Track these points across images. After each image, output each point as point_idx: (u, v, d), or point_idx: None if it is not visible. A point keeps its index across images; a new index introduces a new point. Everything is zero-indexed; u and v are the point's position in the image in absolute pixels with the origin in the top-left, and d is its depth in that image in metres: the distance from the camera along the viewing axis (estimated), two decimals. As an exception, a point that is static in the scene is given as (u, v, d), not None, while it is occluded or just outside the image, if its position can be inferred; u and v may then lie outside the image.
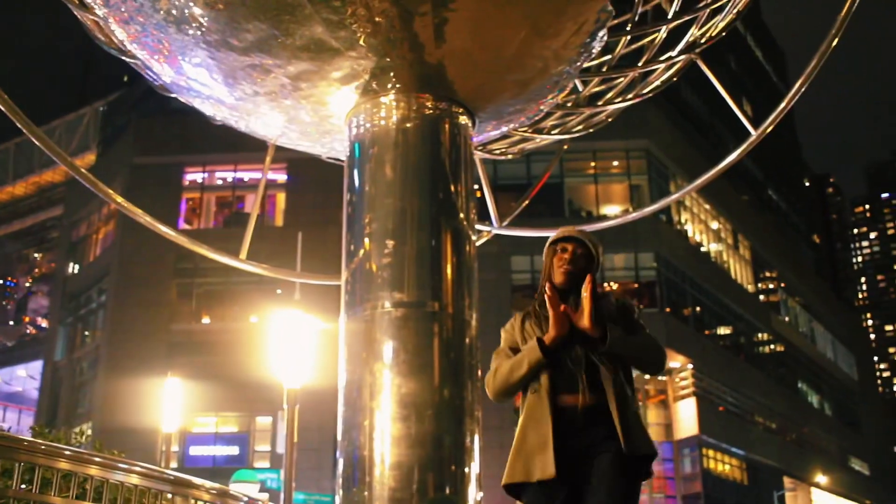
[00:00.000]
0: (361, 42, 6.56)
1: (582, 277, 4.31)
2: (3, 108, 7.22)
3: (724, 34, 8.89)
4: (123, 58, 8.23)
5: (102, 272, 43.71)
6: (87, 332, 46.14)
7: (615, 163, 43.51)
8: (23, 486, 4.43)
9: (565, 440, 4.13)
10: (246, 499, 5.69)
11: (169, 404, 19.86)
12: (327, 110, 7.42)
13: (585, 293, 4.22)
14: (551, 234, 4.64)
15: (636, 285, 41.84)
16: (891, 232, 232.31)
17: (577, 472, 4.11)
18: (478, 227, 8.72)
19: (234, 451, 38.19)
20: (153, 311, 39.93)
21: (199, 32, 6.60)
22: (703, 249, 47.65)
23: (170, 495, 5.14)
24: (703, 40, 8.76)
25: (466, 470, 6.39)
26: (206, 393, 33.40)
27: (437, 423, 6.29)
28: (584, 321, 4.20)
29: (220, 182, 44.18)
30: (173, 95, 8.41)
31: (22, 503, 4.43)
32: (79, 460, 4.58)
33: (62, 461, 4.49)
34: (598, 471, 4.06)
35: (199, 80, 7.29)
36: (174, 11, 6.48)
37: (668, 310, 41.34)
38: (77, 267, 49.32)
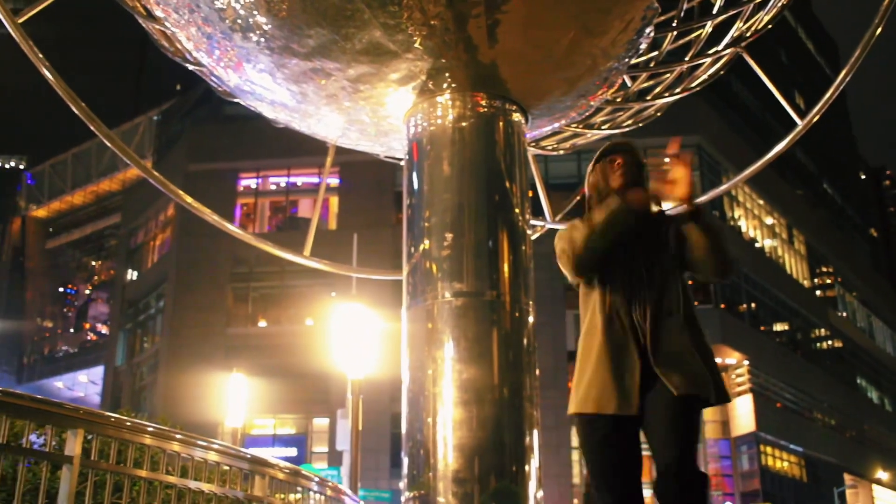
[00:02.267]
0: (418, 44, 6.85)
1: (638, 184, 4.34)
2: (81, 117, 7.60)
3: (769, 27, 9.03)
4: (188, 66, 8.59)
5: (160, 278, 44.43)
6: (146, 338, 46.90)
7: (666, 159, 43.32)
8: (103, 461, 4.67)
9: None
10: (317, 479, 5.98)
11: (233, 400, 20.29)
12: (386, 111, 7.72)
13: (683, 166, 4.27)
14: None
15: (691, 282, 41.59)
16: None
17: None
18: (532, 222, 8.96)
19: (292, 452, 38.65)
20: (210, 315, 40.52)
21: (262, 39, 6.93)
22: (757, 245, 47.31)
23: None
24: (748, 34, 8.93)
25: (526, 452, 6.63)
26: (263, 395, 33.89)
27: (497, 408, 6.54)
28: (682, 189, 4.21)
29: (273, 187, 44.67)
30: (235, 100, 8.75)
31: (111, 476, 4.67)
32: (161, 436, 4.84)
33: (146, 437, 4.76)
34: (658, 407, 3.95)
35: (262, 84, 7.62)
36: (239, 20, 6.81)
37: (722, 306, 41.13)
38: (135, 274, 50.18)
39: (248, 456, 5.36)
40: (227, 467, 5.11)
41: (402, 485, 6.92)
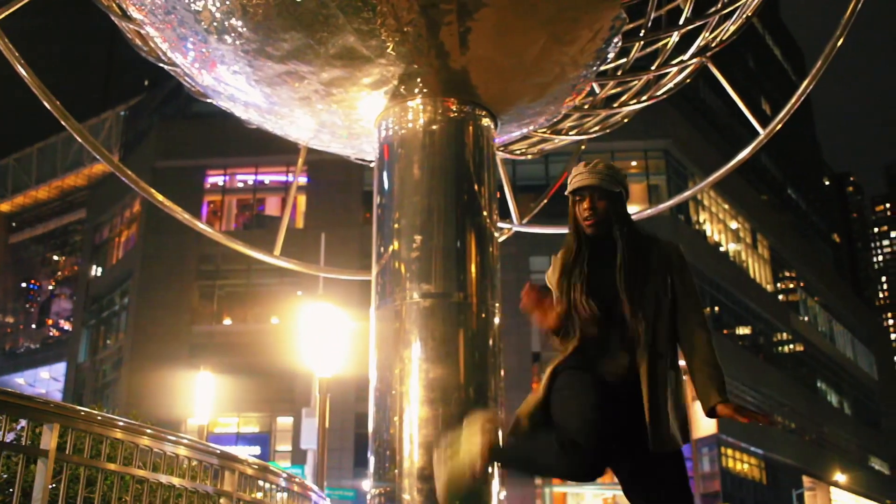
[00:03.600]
0: (391, 50, 6.97)
1: (610, 220, 3.98)
2: (54, 113, 7.66)
3: (734, 38, 9.24)
4: (163, 65, 8.66)
5: (125, 275, 44.12)
6: (109, 335, 46.52)
7: (633, 163, 43.69)
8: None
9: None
10: (285, 475, 6.08)
11: (199, 398, 20.28)
12: (358, 114, 7.84)
13: (527, 304, 4.02)
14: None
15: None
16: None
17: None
18: (499, 224, 9.11)
19: (255, 450, 38.54)
20: (175, 313, 40.30)
21: (238, 42, 7.03)
22: (721, 249, 47.76)
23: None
24: (714, 44, 9.13)
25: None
26: (227, 393, 33.76)
27: (462, 406, 6.67)
28: (549, 322, 3.96)
29: (241, 185, 44.48)
30: (209, 100, 8.83)
31: (83, 470, 4.73)
32: (132, 431, 4.91)
33: (117, 431, 4.82)
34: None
35: (236, 86, 7.71)
36: (215, 23, 6.91)
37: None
38: (100, 270, 49.78)
39: (218, 451, 5.44)
40: (195, 462, 5.19)
41: (367, 482, 7.04)
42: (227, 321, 41.80)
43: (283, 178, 42.76)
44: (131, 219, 45.63)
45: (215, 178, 43.80)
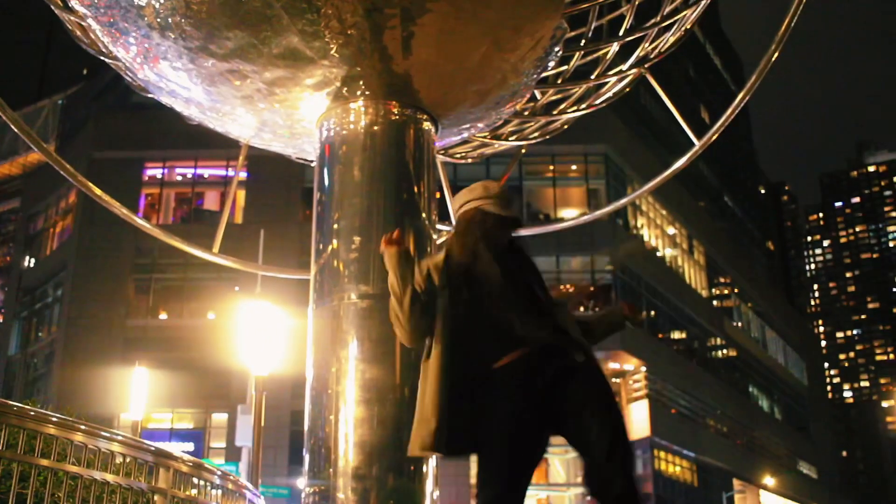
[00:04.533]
0: (334, 52, 7.02)
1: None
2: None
3: (673, 49, 9.43)
4: (104, 58, 8.61)
5: (59, 266, 43.47)
6: (41, 327, 45.78)
7: (573, 167, 44.07)
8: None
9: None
10: (220, 472, 6.10)
11: (133, 393, 20.09)
12: (299, 114, 7.88)
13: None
14: None
15: (592, 288, 42.47)
16: (843, 240, 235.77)
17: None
18: (438, 226, 9.20)
19: (189, 447, 38.20)
20: (110, 306, 39.81)
21: (181, 39, 7.02)
22: (658, 254, 48.37)
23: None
24: (653, 55, 9.31)
25: (425, 451, 6.84)
26: (162, 389, 33.40)
27: (398, 407, 6.74)
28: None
29: (179, 178, 44.08)
30: (150, 95, 8.79)
31: (19, 465, 4.71)
32: (65, 426, 4.87)
33: (50, 427, 4.79)
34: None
35: (178, 82, 7.70)
36: (158, 19, 6.90)
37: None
38: (33, 261, 48.95)
39: (153, 448, 5.45)
40: (129, 459, 5.19)
41: (302, 480, 7.08)
42: (163, 316, 41.41)
43: (222, 172, 42.45)
44: (67, 209, 44.98)
45: (154, 171, 43.36)
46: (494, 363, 4.03)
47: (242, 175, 40.00)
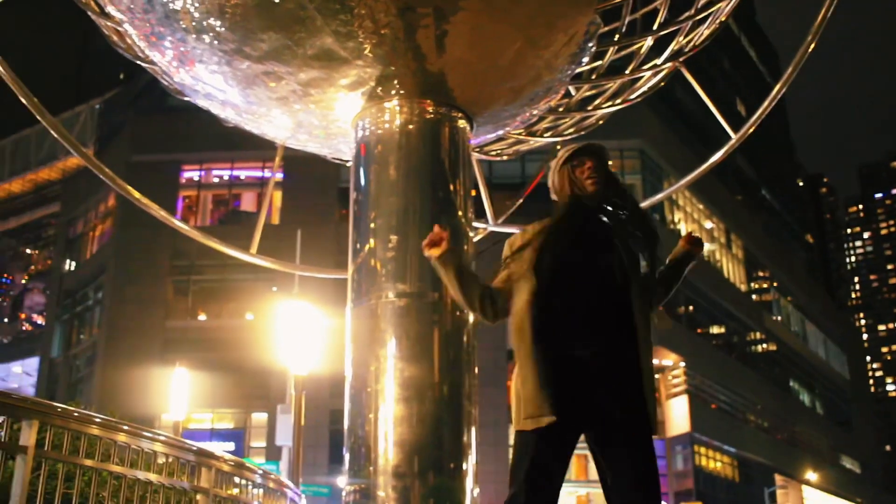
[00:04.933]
0: (368, 52, 7.05)
1: (610, 185, 4.10)
2: (29, 108, 7.67)
3: (708, 42, 9.36)
4: (140, 63, 8.68)
5: (99, 269, 43.83)
6: (83, 329, 46.18)
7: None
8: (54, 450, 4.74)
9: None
10: (261, 471, 6.14)
11: (174, 393, 20.25)
12: (335, 114, 7.91)
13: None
14: None
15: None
16: (884, 232, 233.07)
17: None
18: (475, 224, 9.21)
19: (229, 446, 38.35)
20: (149, 308, 40.08)
21: (216, 41, 7.08)
22: (695, 249, 47.94)
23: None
24: (687, 48, 9.24)
25: (464, 448, 6.86)
26: (202, 389, 33.64)
27: (436, 405, 6.76)
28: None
29: (216, 180, 44.29)
30: (186, 98, 8.86)
31: (61, 465, 4.76)
32: (108, 427, 4.92)
33: (93, 427, 4.84)
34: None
35: (214, 85, 7.76)
36: (194, 22, 6.95)
37: (660, 308, 41.60)
38: (73, 264, 49.42)
39: (195, 448, 5.49)
40: (171, 458, 5.24)
41: (342, 478, 7.11)
42: (202, 317, 41.64)
43: (258, 173, 42.63)
44: (106, 213, 45.36)
45: (191, 173, 43.60)
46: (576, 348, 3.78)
47: (279, 176, 40.20)
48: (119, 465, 4.93)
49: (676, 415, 41.23)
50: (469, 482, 6.88)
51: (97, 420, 4.94)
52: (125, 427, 5.06)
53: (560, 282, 3.86)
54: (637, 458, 3.74)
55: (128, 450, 4.92)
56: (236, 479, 5.89)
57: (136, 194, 8.89)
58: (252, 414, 39.16)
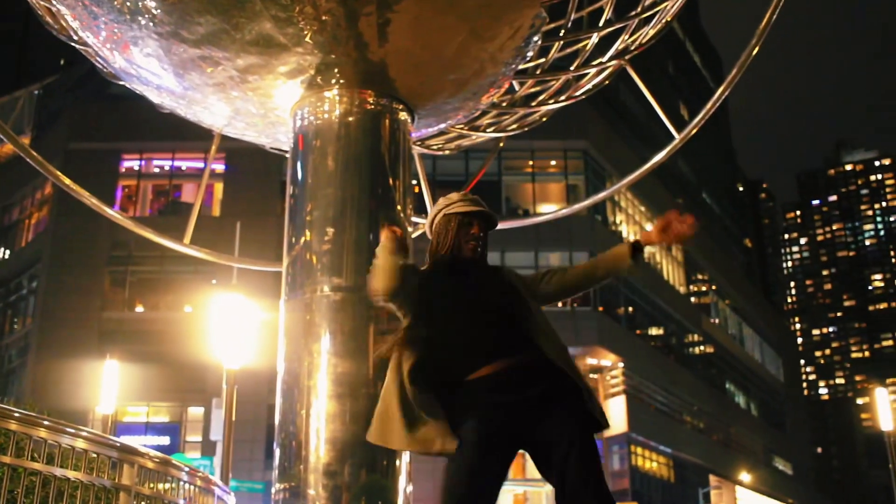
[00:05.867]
0: (308, 39, 6.87)
1: (484, 248, 4.18)
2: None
3: (653, 41, 9.33)
4: (74, 44, 8.42)
5: (34, 258, 43.05)
6: (16, 319, 45.38)
7: (553, 162, 44.01)
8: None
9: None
10: (187, 468, 5.95)
11: (105, 387, 19.85)
12: (273, 103, 7.72)
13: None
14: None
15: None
16: (820, 238, 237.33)
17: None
18: (415, 219, 9.07)
19: (164, 440, 37.94)
20: (85, 298, 39.45)
21: (151, 24, 6.85)
22: (636, 250, 48.31)
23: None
24: (633, 47, 9.20)
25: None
26: (137, 382, 33.18)
27: (371, 402, 6.56)
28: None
29: (157, 170, 43.73)
30: (121, 83, 8.61)
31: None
32: (28, 422, 4.72)
33: (12, 422, 4.64)
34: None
35: (149, 69, 7.53)
36: (128, 3, 6.73)
37: (600, 308, 41.97)
38: (8, 252, 48.50)
39: (118, 444, 5.29)
40: (94, 455, 5.03)
41: (273, 476, 6.94)
42: (139, 308, 41.07)
43: (200, 164, 42.06)
44: (42, 201, 44.54)
45: (131, 163, 42.99)
46: (467, 374, 3.87)
47: (220, 167, 39.77)
48: (37, 461, 4.73)
49: (614, 414, 41.49)
50: (402, 480, 6.76)
51: (16, 415, 4.74)
52: (46, 422, 4.86)
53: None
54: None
55: (44, 445, 4.71)
56: (161, 477, 5.69)
57: (66, 180, 8.62)
58: (188, 408, 38.71)
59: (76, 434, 4.95)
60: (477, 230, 4.12)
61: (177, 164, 43.02)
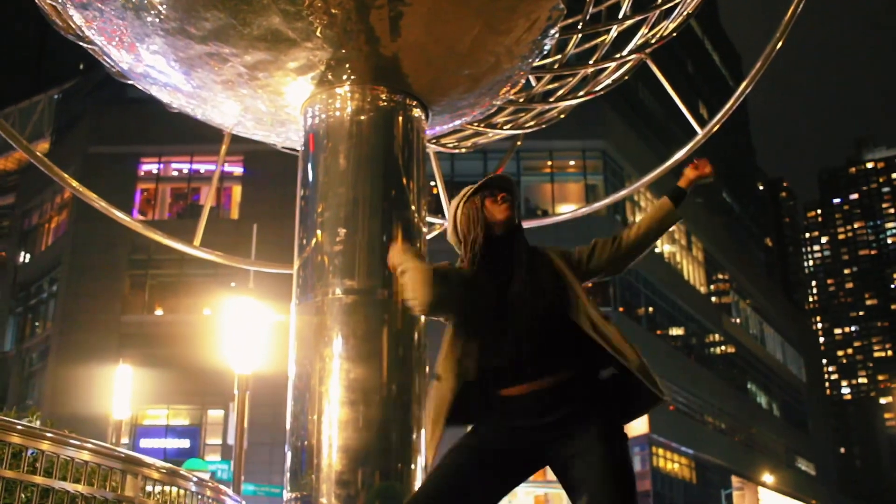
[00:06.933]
0: (318, 33, 6.67)
1: (518, 221, 3.95)
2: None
3: (674, 35, 9.10)
4: (80, 43, 8.27)
5: (54, 262, 43.21)
6: (37, 323, 45.55)
7: (571, 162, 43.81)
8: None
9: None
10: (195, 479, 5.77)
11: (119, 392, 19.75)
12: (283, 100, 7.52)
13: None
14: None
15: (590, 284, 42.00)
16: (841, 237, 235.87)
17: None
18: (431, 219, 8.86)
19: (185, 443, 37.95)
20: (105, 301, 39.53)
21: (157, 20, 6.67)
22: (657, 250, 48.09)
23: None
24: (653, 41, 8.97)
25: (413, 452, 6.51)
26: (157, 385, 33.21)
27: (384, 409, 6.41)
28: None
29: (175, 173, 43.82)
30: (130, 82, 8.45)
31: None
32: (30, 435, 4.58)
33: (14, 435, 4.49)
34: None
35: (156, 67, 7.35)
36: (133, -2, 6.55)
37: (621, 309, 41.73)
38: (28, 256, 48.68)
39: (122, 455, 5.12)
40: (96, 466, 4.86)
41: (284, 484, 6.75)
42: (159, 311, 41.12)
43: (216, 166, 42.13)
44: (62, 205, 44.69)
45: (149, 166, 43.08)
46: (499, 388, 3.61)
47: (238, 170, 39.80)
48: (38, 473, 4.56)
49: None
50: (417, 485, 6.55)
51: (18, 427, 4.59)
52: (49, 434, 4.71)
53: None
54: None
55: (42, 457, 4.55)
56: (167, 488, 5.51)
57: (75, 183, 8.47)
58: (208, 411, 38.69)
59: (80, 446, 4.79)
60: (502, 195, 3.88)
61: (195, 167, 43.09)
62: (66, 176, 8.42)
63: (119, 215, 8.92)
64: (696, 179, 4.18)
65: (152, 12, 6.63)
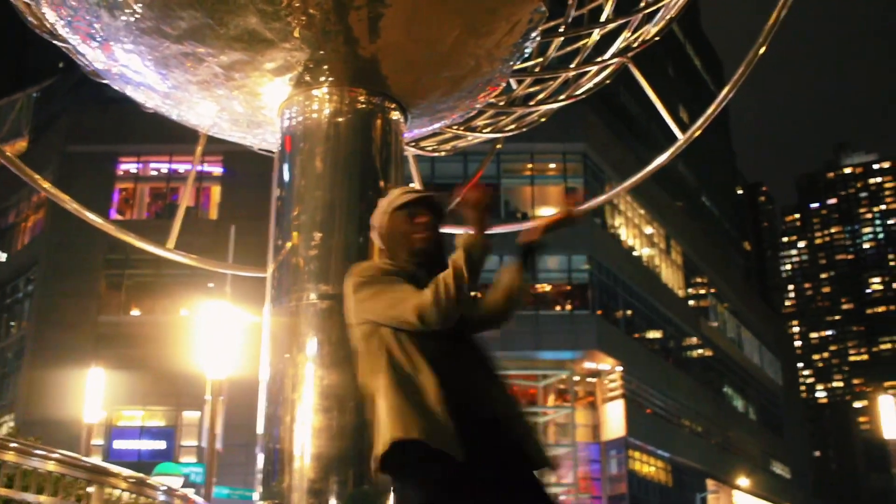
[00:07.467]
0: (295, 34, 6.56)
1: (439, 243, 3.59)
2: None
3: (656, 39, 9.04)
4: (55, 41, 8.12)
5: (30, 261, 42.86)
6: (12, 323, 45.16)
7: (552, 165, 43.81)
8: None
9: None
10: (164, 488, 5.64)
11: (92, 395, 19.53)
12: (260, 101, 7.41)
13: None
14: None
15: (569, 287, 42.22)
16: (819, 241, 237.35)
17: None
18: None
19: (160, 445, 37.68)
20: (81, 301, 39.23)
21: (132, 18, 6.55)
22: (635, 253, 48.14)
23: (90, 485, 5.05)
24: (635, 45, 8.91)
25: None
26: (132, 386, 32.97)
27: (358, 416, 6.27)
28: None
29: (154, 173, 43.56)
30: (105, 82, 8.31)
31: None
32: (-4, 447, 4.49)
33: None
34: None
35: (131, 66, 7.22)
36: (106, -4, 6.42)
37: (599, 312, 41.74)
38: (4, 255, 48.30)
39: (88, 465, 5.00)
40: (60, 476, 4.75)
41: (256, 492, 6.63)
42: (135, 312, 40.84)
43: (198, 167, 41.84)
44: (38, 204, 44.31)
45: (128, 166, 42.82)
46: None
47: (218, 170, 39.60)
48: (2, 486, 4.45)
49: (612, 419, 41.28)
50: (392, 498, 6.44)
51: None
52: (13, 445, 4.59)
53: None
54: None
55: (1, 467, 4.43)
56: (136, 497, 5.40)
57: (46, 185, 8.34)
58: (183, 412, 38.39)
59: (46, 457, 4.67)
60: (426, 219, 3.55)
61: (174, 166, 42.83)
62: (37, 177, 8.27)
63: (91, 217, 8.78)
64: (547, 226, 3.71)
65: (127, 11, 6.50)
